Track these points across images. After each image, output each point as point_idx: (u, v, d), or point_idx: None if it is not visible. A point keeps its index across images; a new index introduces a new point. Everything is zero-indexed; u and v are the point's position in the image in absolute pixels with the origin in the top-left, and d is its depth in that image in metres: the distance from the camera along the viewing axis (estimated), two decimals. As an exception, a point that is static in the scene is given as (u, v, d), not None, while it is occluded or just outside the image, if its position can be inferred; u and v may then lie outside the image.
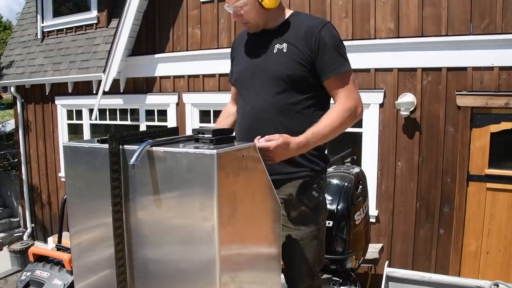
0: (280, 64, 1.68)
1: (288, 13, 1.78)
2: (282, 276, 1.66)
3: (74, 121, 6.61)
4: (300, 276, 1.76)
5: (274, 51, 1.71)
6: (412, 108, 4.07)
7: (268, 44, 1.74)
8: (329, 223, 2.45)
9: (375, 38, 4.24)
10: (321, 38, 1.65)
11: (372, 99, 4.27)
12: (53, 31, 6.64)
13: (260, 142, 1.45)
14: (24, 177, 7.26)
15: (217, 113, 5.27)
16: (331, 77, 1.67)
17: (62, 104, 6.64)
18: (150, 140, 1.28)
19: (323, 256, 1.86)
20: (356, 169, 2.82)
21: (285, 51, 1.69)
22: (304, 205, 1.71)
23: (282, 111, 1.69)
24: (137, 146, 1.25)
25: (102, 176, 1.33)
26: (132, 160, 1.21)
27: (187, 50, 5.35)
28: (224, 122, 1.97)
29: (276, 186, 1.69)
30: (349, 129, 4.75)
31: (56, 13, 6.64)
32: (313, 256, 1.75)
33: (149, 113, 5.83)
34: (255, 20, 1.71)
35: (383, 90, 4.22)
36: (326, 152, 1.88)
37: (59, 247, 3.11)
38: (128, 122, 6.06)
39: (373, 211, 4.24)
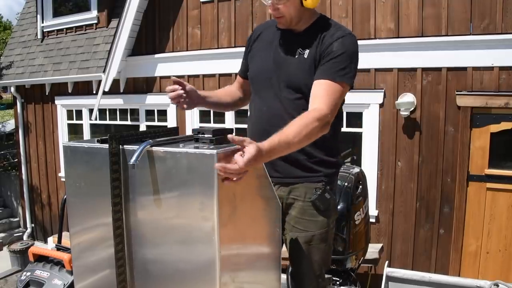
0: (299, 71, 1.65)
1: (315, 16, 1.73)
2: (283, 276, 1.66)
3: (74, 121, 6.60)
4: (306, 278, 1.75)
5: (296, 56, 1.67)
6: (412, 108, 4.07)
7: (291, 46, 1.70)
8: (329, 223, 2.45)
9: (375, 38, 4.23)
10: (331, 46, 1.61)
11: (372, 99, 4.27)
12: (53, 31, 6.63)
13: (237, 162, 1.19)
14: (24, 177, 7.26)
15: (217, 113, 5.28)
16: (321, 80, 1.58)
17: (62, 104, 6.63)
18: (150, 140, 1.28)
19: (330, 258, 1.84)
20: (356, 169, 2.82)
21: (305, 57, 1.66)
22: (315, 207, 1.69)
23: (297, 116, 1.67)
24: (137, 146, 1.25)
25: (102, 176, 1.33)
26: (132, 160, 1.21)
27: (187, 50, 5.35)
28: (223, 96, 1.91)
29: (287, 187, 1.70)
30: (349, 129, 4.76)
31: (56, 13, 6.64)
32: (320, 259, 1.73)
33: (149, 113, 5.83)
34: (291, 16, 1.64)
35: (383, 90, 4.22)
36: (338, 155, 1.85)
37: (59, 247, 3.11)
38: (128, 122, 6.05)
39: (373, 211, 4.24)
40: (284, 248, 1.73)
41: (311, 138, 1.48)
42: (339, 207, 2.50)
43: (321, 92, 1.56)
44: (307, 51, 1.66)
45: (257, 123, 1.75)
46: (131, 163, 1.21)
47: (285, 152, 1.41)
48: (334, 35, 1.63)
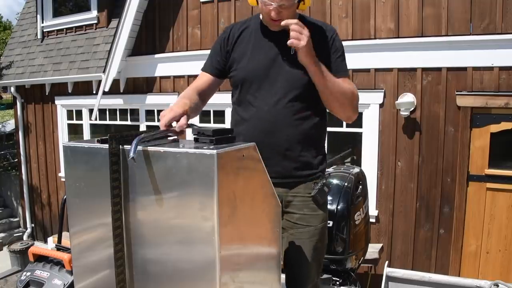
0: (300, 66, 1.67)
1: (297, 15, 1.77)
2: (283, 276, 1.66)
3: (74, 121, 6.61)
4: (309, 275, 1.75)
5: (292, 53, 1.68)
6: (412, 108, 4.07)
7: (283, 44, 1.69)
8: (329, 223, 2.45)
9: (375, 38, 4.23)
10: (335, 42, 1.73)
11: (372, 99, 4.27)
12: (53, 31, 6.64)
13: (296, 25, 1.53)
14: (24, 177, 7.26)
15: (217, 113, 5.28)
16: (340, 77, 1.71)
17: (62, 104, 6.64)
18: (142, 135, 1.30)
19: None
20: (356, 169, 2.82)
21: None
22: (315, 202, 1.72)
23: (299, 114, 1.70)
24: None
25: (102, 176, 1.33)
26: (131, 154, 1.22)
27: (187, 50, 5.35)
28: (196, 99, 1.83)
29: (289, 187, 1.72)
30: (349, 129, 4.76)
31: (56, 13, 6.65)
32: (322, 252, 1.78)
33: (149, 113, 5.83)
34: (288, 18, 1.66)
35: (383, 90, 4.22)
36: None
37: (59, 247, 3.11)
38: (128, 122, 6.05)
39: (373, 211, 4.24)
40: None
41: (344, 98, 1.68)
42: (339, 207, 2.50)
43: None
44: None
45: (259, 123, 1.72)
46: (130, 157, 1.22)
47: (327, 85, 1.63)
48: (329, 30, 1.76)
